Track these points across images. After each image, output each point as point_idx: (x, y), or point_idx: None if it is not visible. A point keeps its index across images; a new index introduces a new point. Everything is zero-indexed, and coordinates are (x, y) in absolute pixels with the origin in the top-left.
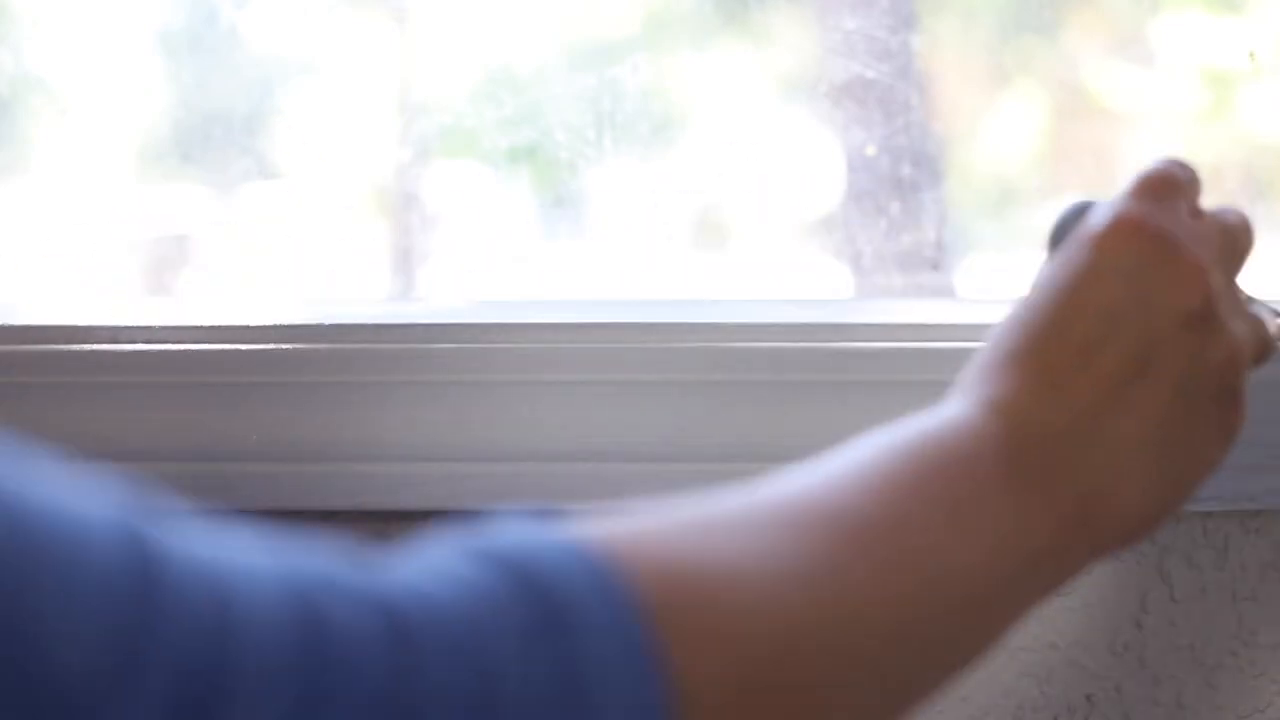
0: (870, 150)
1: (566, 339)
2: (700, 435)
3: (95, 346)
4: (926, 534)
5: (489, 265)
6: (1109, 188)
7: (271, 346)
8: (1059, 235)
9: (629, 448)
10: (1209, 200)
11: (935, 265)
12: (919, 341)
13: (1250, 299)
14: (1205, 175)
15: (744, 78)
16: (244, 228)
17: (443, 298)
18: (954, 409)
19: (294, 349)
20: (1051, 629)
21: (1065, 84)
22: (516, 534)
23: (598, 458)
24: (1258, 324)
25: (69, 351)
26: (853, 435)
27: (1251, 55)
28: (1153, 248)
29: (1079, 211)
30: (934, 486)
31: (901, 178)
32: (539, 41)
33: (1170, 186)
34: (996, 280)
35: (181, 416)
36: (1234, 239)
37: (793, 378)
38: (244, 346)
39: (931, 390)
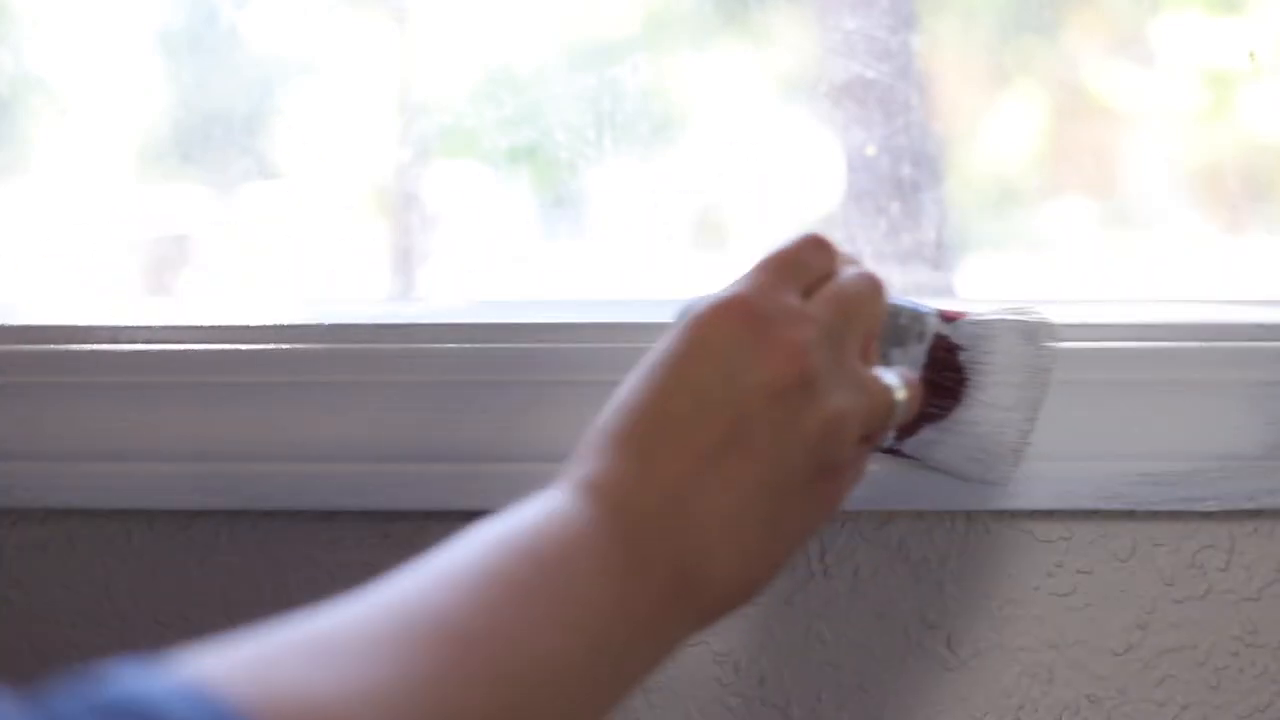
0: (870, 150)
1: (566, 339)
2: None
3: (95, 346)
4: (525, 629)
5: (489, 265)
6: (1109, 188)
7: (271, 346)
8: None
9: None
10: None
11: (935, 265)
12: None
13: (885, 366)
14: (1205, 175)
15: (744, 78)
16: (244, 228)
17: (443, 298)
18: (555, 495)
19: (294, 349)
20: (1053, 629)
21: (1065, 84)
22: (129, 682)
23: None
24: (878, 393)
25: (69, 351)
26: None
27: (1251, 55)
28: (745, 327)
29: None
30: (533, 581)
31: (901, 178)
32: (539, 41)
33: (787, 267)
34: (996, 280)
35: (181, 416)
36: (853, 310)
37: None
38: (244, 346)
39: None
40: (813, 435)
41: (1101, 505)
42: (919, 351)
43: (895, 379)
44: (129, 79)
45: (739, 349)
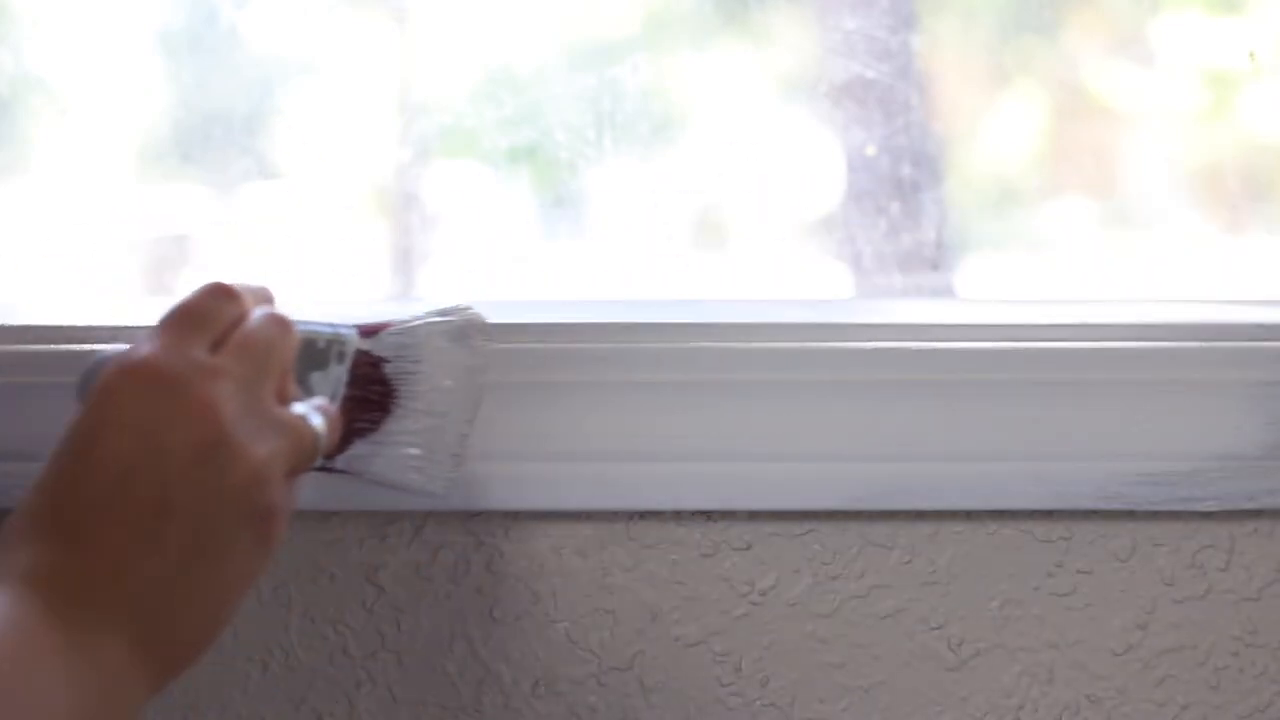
0: (870, 150)
1: (567, 339)
2: (699, 435)
3: (95, 346)
4: None
5: (489, 265)
6: (1109, 188)
7: None
8: (85, 386)
9: (628, 448)
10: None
11: (935, 265)
12: (919, 341)
13: (306, 393)
14: (1205, 175)
15: (744, 78)
16: (244, 228)
17: (443, 298)
18: None
19: None
20: (1053, 629)
21: (1065, 84)
22: None
23: (597, 458)
24: (298, 430)
25: (69, 351)
26: (852, 435)
27: (1251, 55)
28: (155, 390)
29: (105, 362)
30: None
31: (901, 178)
32: (539, 41)
33: (191, 321)
34: (996, 280)
35: None
36: (262, 354)
37: (793, 378)
38: None
39: (931, 390)
40: (240, 488)
41: (1101, 505)
42: (341, 371)
43: (312, 411)
44: (129, 79)
45: (153, 414)
